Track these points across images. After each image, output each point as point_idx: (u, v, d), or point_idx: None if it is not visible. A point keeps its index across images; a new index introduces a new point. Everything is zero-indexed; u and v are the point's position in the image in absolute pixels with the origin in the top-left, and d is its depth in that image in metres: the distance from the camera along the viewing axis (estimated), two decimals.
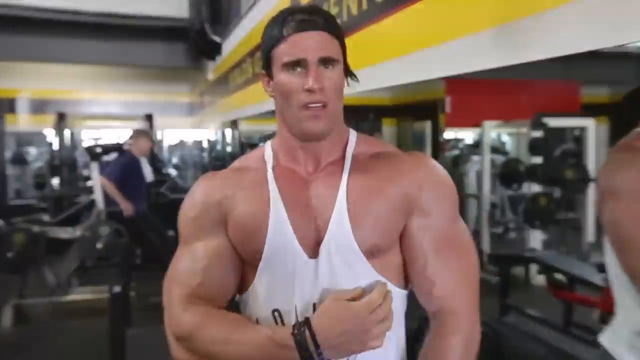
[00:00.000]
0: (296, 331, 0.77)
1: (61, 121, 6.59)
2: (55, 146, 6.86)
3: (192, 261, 0.90)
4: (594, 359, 2.94)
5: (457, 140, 8.00)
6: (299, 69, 0.79)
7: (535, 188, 5.26)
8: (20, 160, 8.22)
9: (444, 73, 0.88)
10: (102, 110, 8.40)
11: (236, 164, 0.98)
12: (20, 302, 4.30)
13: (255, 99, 3.90)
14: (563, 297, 3.44)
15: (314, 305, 0.84)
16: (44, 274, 4.53)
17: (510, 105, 6.38)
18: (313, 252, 0.85)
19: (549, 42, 0.73)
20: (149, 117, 7.58)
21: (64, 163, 7.25)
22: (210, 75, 5.52)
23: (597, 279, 3.14)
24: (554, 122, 5.20)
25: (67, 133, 7.23)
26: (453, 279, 0.86)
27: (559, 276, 3.85)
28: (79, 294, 4.35)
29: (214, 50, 4.88)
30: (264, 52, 0.85)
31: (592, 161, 5.20)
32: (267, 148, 0.95)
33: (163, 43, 5.57)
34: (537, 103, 6.06)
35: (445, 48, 0.96)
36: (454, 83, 6.93)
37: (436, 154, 7.42)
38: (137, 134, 5.17)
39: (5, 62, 6.53)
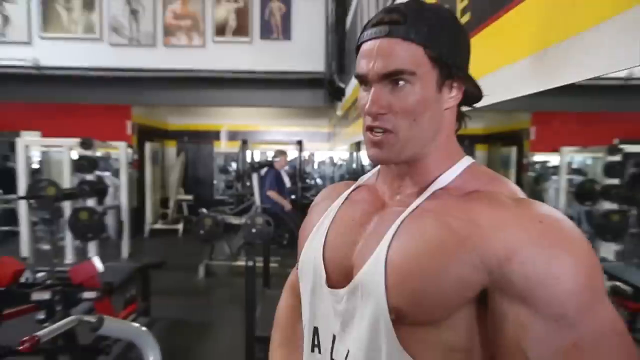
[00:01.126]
0: None
1: (244, 145, 7.20)
2: (240, 162, 7.46)
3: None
4: None
5: (540, 162, 7.29)
6: (363, 87, 0.55)
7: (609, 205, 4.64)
8: (224, 170, 9.27)
9: (490, 101, 0.70)
10: (269, 137, 9.21)
11: (360, 180, 0.70)
12: (208, 263, 4.78)
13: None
14: (626, 306, 3.13)
15: (334, 336, 0.58)
16: (223, 246, 5.06)
17: (588, 133, 5.75)
18: (338, 282, 0.58)
19: (584, 64, 0.60)
20: (299, 143, 8.10)
21: (245, 173, 8.15)
22: (339, 112, 5.71)
23: None
24: (630, 148, 4.61)
25: (248, 153, 7.77)
26: None
27: (623, 286, 3.50)
28: (241, 261, 4.58)
29: (340, 93, 5.08)
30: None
31: None
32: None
33: (308, 90, 5.89)
34: (614, 131, 5.37)
35: (491, 77, 0.84)
36: (539, 115, 6.58)
37: (519, 174, 7.07)
38: (278, 153, 5.54)
39: (213, 107, 7.37)
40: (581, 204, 5.00)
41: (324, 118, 8.24)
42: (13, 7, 5.87)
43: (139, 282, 3.46)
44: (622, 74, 5.57)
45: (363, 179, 0.68)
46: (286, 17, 5.91)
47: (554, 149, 5.25)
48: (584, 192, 4.65)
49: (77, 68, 5.92)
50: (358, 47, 0.55)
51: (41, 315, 2.54)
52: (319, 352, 0.60)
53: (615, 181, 4.48)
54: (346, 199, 0.64)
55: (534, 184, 6.87)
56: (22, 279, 2.78)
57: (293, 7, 5.95)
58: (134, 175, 6.67)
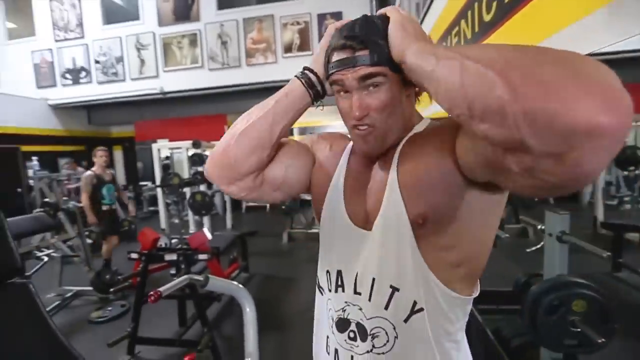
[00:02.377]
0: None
1: None
2: None
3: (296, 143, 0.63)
4: None
5: None
6: (342, 94, 0.53)
7: None
8: None
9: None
10: (328, 130, 9.28)
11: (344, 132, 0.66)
12: (290, 231, 4.77)
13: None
14: None
15: (357, 274, 0.55)
16: (300, 217, 5.00)
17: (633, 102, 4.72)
18: (367, 225, 0.55)
19: None
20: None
21: None
22: None
23: None
24: None
25: None
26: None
27: None
28: (315, 229, 4.57)
29: None
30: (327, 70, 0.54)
31: None
32: None
33: None
34: None
35: (567, 31, 0.60)
36: None
37: None
38: None
39: None
40: (622, 170, 4.16)
41: None
42: (146, 52, 6.32)
43: (239, 246, 3.55)
44: None
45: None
46: None
47: None
48: (625, 158, 3.85)
49: (188, 90, 6.24)
50: (329, 74, 0.55)
51: (172, 271, 2.69)
52: (343, 290, 0.58)
53: None
54: (347, 161, 0.62)
55: None
56: (161, 244, 2.95)
57: (344, 19, 5.62)
58: None
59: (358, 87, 0.51)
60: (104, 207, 3.30)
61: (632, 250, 3.50)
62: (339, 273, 0.58)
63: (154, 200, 6.54)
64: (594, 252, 1.19)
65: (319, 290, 0.64)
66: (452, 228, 0.49)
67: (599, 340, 1.13)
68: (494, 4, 0.96)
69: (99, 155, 3.28)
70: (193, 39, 6.21)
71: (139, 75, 6.41)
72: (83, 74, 6.56)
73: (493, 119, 0.32)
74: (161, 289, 1.17)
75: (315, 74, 0.57)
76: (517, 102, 0.30)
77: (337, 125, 8.91)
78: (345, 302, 0.57)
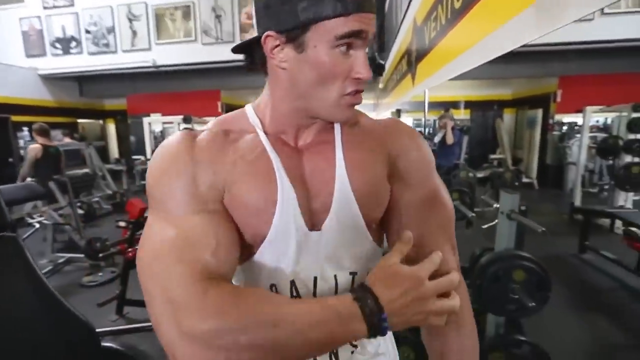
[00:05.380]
0: (357, 295, 0.41)
1: None
2: None
3: (191, 231, 0.42)
4: None
5: (565, 123, 6.27)
6: (344, 49, 0.42)
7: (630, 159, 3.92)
8: None
9: (505, 50, 0.60)
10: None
11: (219, 125, 0.50)
12: None
13: (399, 96, 3.79)
14: (637, 248, 2.72)
15: (315, 278, 0.50)
16: None
17: (612, 93, 4.80)
18: (315, 225, 0.49)
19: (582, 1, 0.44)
20: None
21: None
22: (380, 85, 5.39)
23: None
24: None
25: None
26: (432, 229, 0.50)
27: (636, 230, 3.04)
28: None
29: (382, 69, 4.91)
30: (292, 15, 0.41)
31: None
32: (250, 112, 0.52)
33: None
34: (637, 91, 4.38)
35: (502, 30, 0.67)
36: (565, 79, 5.68)
37: (544, 134, 6.28)
38: None
39: None
40: (603, 158, 4.29)
41: (370, 92, 7.76)
42: (138, 23, 6.20)
43: None
44: None
45: (232, 127, 0.51)
46: None
47: (578, 110, 4.48)
48: (607, 147, 3.96)
49: (181, 64, 6.18)
50: (344, 13, 0.41)
51: None
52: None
53: (638, 136, 3.74)
54: (278, 156, 0.49)
55: (558, 142, 6.07)
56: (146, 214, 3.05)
57: None
58: None
59: (365, 45, 0.44)
60: None
61: (604, 233, 3.69)
62: (293, 283, 0.50)
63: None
64: (530, 226, 1.33)
65: None
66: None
67: (530, 305, 1.28)
68: None
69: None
70: (186, 11, 6.09)
71: (131, 47, 6.32)
72: (73, 43, 6.45)
73: None
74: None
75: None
76: None
77: None
78: None
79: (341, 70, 0.43)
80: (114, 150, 8.82)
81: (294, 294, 0.50)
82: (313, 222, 0.49)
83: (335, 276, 0.51)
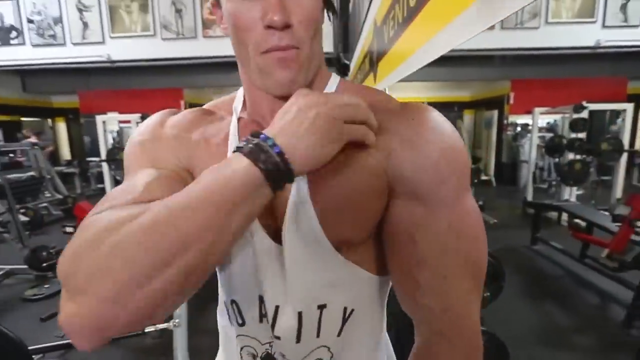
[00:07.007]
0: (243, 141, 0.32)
1: None
2: None
3: (132, 180, 0.37)
4: (599, 284, 2.52)
5: (518, 124, 6.75)
6: None
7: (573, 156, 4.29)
8: None
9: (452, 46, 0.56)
10: None
11: (206, 106, 0.47)
12: None
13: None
14: (580, 237, 2.95)
15: (277, 307, 0.41)
16: None
17: (560, 97, 5.23)
18: (276, 236, 0.40)
19: None
20: None
21: None
22: None
23: (610, 225, 2.65)
24: (593, 106, 4.15)
25: None
26: (451, 289, 0.36)
27: (578, 221, 3.32)
28: None
29: (347, 69, 5.03)
30: None
31: (627, 137, 3.95)
32: (239, 94, 0.45)
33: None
34: (582, 95, 4.83)
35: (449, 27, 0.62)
36: (517, 82, 6.14)
37: (500, 133, 6.67)
38: None
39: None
40: (551, 157, 4.65)
41: None
42: (90, 14, 5.79)
43: None
44: (590, 43, 4.98)
45: (216, 109, 0.45)
46: None
47: (528, 111, 4.83)
48: (553, 145, 4.29)
49: (139, 60, 5.85)
50: None
51: None
52: (267, 321, 0.43)
53: (580, 135, 4.10)
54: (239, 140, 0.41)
55: (512, 141, 6.53)
56: None
57: None
58: None
59: None
60: None
61: (553, 225, 3.99)
62: (261, 299, 0.42)
63: (102, 177, 6.19)
64: (484, 219, 1.39)
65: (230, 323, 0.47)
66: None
67: (485, 295, 1.34)
68: None
69: None
70: (143, 3, 5.78)
71: (82, 40, 5.88)
72: (14, 33, 5.88)
73: None
74: None
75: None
76: None
77: None
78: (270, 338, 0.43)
79: (248, 19, 0.34)
80: (65, 152, 8.18)
81: (263, 312, 0.42)
82: (278, 233, 0.39)
83: (299, 314, 0.41)
